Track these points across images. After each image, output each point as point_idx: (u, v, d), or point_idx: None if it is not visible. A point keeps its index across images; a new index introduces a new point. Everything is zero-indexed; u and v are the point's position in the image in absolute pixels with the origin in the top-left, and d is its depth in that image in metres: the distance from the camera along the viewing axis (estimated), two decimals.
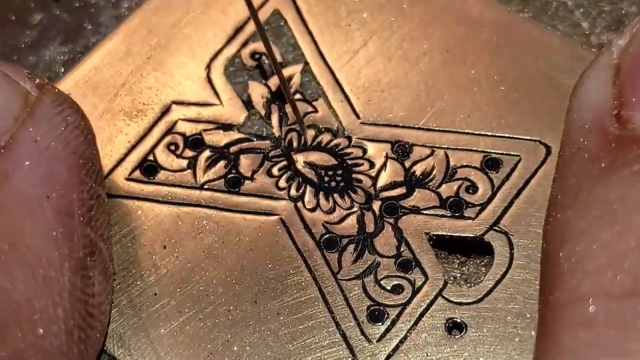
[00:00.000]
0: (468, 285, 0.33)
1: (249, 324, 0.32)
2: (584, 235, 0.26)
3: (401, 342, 0.32)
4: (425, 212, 0.34)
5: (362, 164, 0.35)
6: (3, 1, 0.41)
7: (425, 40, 0.37)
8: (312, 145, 0.35)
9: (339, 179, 0.35)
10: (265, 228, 0.34)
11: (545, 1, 0.39)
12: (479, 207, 0.34)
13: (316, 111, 0.36)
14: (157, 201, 0.34)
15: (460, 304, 0.32)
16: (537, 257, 0.32)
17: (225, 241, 0.33)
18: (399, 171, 0.35)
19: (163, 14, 0.38)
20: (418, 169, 0.35)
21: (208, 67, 0.37)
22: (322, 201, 0.34)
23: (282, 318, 0.32)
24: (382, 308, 0.32)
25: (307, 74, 0.37)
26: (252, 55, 0.37)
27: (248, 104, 0.36)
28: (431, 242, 0.33)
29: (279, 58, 0.37)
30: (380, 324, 0.32)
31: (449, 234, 0.33)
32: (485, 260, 0.33)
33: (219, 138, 0.36)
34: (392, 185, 0.34)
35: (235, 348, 0.32)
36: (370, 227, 0.34)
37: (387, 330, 0.32)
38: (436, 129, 0.35)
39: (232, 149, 0.35)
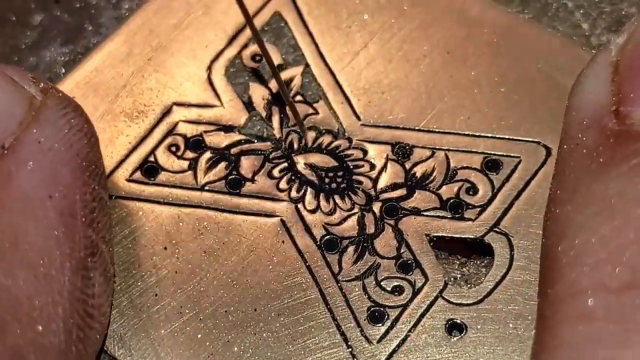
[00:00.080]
0: (468, 286, 0.33)
1: (250, 324, 0.32)
2: (583, 229, 0.26)
3: (401, 343, 0.32)
4: (425, 213, 0.34)
5: (363, 166, 0.35)
6: (3, 1, 0.41)
7: (426, 42, 0.37)
8: (312, 146, 0.35)
9: (339, 180, 0.35)
10: (266, 229, 0.34)
11: (545, 2, 0.39)
12: (479, 209, 0.34)
13: (317, 113, 0.36)
14: (158, 202, 0.34)
15: (460, 305, 0.32)
16: (537, 259, 0.32)
17: (226, 242, 0.33)
18: (399, 173, 0.35)
19: (164, 15, 0.38)
20: (418, 171, 0.35)
21: (209, 68, 0.37)
22: (323, 203, 0.34)
23: (282, 319, 0.32)
24: (382, 309, 0.32)
25: (308, 76, 0.37)
26: (253, 56, 0.37)
27: (249, 105, 0.36)
28: (431, 244, 0.33)
29: (279, 60, 0.37)
30: (380, 324, 0.32)
31: (449, 235, 0.33)
32: (485, 262, 0.33)
33: (220, 139, 0.36)
34: (393, 187, 0.34)
35: (235, 349, 0.32)
36: (370, 229, 0.34)
37: (388, 331, 0.32)
38: (436, 130, 0.35)
39: (233, 150, 0.35)
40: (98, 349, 0.31)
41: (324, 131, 0.36)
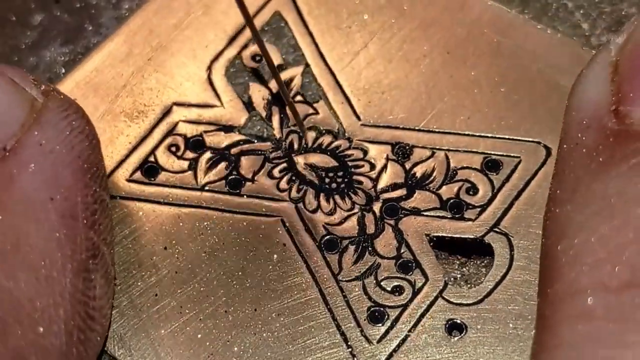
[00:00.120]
0: (468, 286, 0.33)
1: (250, 324, 0.32)
2: (583, 229, 0.26)
3: (401, 343, 0.32)
4: (425, 213, 0.34)
5: (363, 166, 0.35)
6: (3, 1, 0.41)
7: (426, 42, 0.37)
8: (312, 146, 0.35)
9: (339, 180, 0.35)
10: (266, 229, 0.34)
11: (545, 2, 0.39)
12: (479, 209, 0.34)
13: (317, 113, 0.36)
14: (158, 202, 0.34)
15: (460, 305, 0.32)
16: (537, 259, 0.32)
17: (226, 242, 0.33)
18: (399, 173, 0.35)
19: (164, 15, 0.38)
20: (418, 171, 0.35)
21: (209, 68, 0.37)
22: (323, 203, 0.34)
23: (282, 319, 0.32)
24: (382, 309, 0.32)
25: (308, 76, 0.37)
26: (253, 57, 0.37)
27: (249, 105, 0.36)
28: (431, 244, 0.33)
29: (279, 60, 0.37)
30: (380, 324, 0.32)
31: (449, 235, 0.34)
32: (485, 262, 0.34)
33: (220, 139, 0.36)
34: (393, 187, 0.34)
35: (235, 349, 0.32)
36: (370, 229, 0.34)
37: (388, 331, 0.32)
38: (436, 130, 0.35)
39: (233, 150, 0.35)
40: (99, 350, 0.31)
41: (324, 131, 0.36)
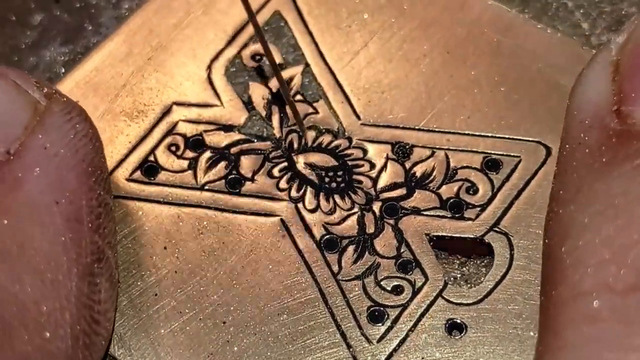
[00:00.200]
0: (468, 286, 0.33)
1: (249, 324, 0.32)
2: (586, 230, 0.26)
3: (401, 342, 0.32)
4: (425, 213, 0.34)
5: (363, 165, 0.35)
6: (3, 1, 0.41)
7: (426, 42, 0.37)
8: (312, 146, 0.35)
9: (339, 180, 0.35)
10: (266, 229, 0.34)
11: (545, 2, 0.39)
12: (479, 208, 0.34)
13: (317, 112, 0.36)
14: (158, 202, 0.34)
15: (460, 304, 0.32)
16: (537, 258, 0.32)
17: (226, 242, 0.33)
18: (399, 172, 0.35)
19: (164, 15, 0.38)
20: (418, 170, 0.35)
21: (209, 68, 0.37)
22: (323, 202, 0.34)
23: (282, 319, 0.32)
24: (382, 309, 0.32)
25: (308, 75, 0.37)
26: (253, 56, 0.37)
27: (249, 105, 0.36)
28: (431, 243, 0.33)
29: (279, 59, 0.37)
30: (380, 324, 0.32)
31: (449, 234, 0.33)
32: (485, 261, 0.33)
33: (220, 139, 0.36)
34: (393, 186, 0.34)
35: (235, 348, 0.32)
36: (370, 228, 0.34)
37: (387, 331, 0.32)
38: (436, 130, 0.35)
39: (233, 150, 0.35)
40: (102, 355, 0.31)
41: (324, 130, 0.36)
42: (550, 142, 0.34)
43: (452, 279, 0.33)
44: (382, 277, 0.33)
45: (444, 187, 0.34)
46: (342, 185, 0.34)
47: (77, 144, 0.30)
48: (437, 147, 0.35)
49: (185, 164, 0.35)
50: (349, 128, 0.36)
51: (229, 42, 0.37)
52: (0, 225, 0.28)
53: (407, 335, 0.32)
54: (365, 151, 0.35)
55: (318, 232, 0.34)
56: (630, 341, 0.24)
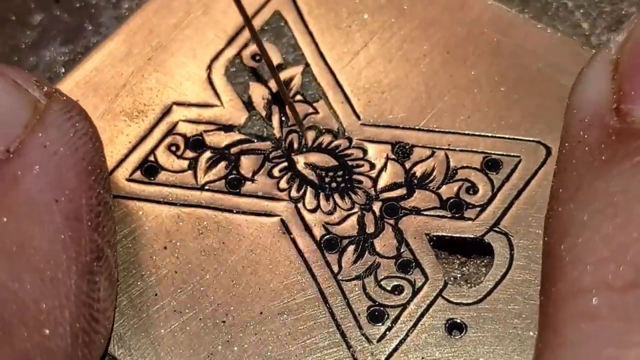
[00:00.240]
0: (468, 285, 0.33)
1: (249, 324, 0.32)
2: (586, 227, 0.26)
3: (401, 342, 0.32)
4: (425, 213, 0.34)
5: (363, 165, 0.35)
6: (3, 1, 0.41)
7: (426, 42, 0.37)
8: (312, 146, 0.35)
9: (339, 180, 0.35)
10: (266, 229, 0.34)
11: (545, 2, 0.39)
12: (479, 208, 0.34)
13: (317, 112, 0.36)
14: (158, 202, 0.34)
15: (460, 304, 0.32)
16: (537, 258, 0.32)
17: (226, 242, 0.33)
18: (399, 172, 0.35)
19: (164, 15, 0.38)
20: (418, 170, 0.35)
21: (209, 68, 0.37)
22: (323, 202, 0.34)
23: (282, 318, 0.32)
24: (382, 308, 0.32)
25: (308, 75, 0.37)
26: (253, 56, 0.37)
27: (249, 105, 0.36)
28: (431, 243, 0.33)
29: (279, 59, 0.37)
30: (380, 324, 0.32)
31: (449, 234, 0.33)
32: (485, 261, 0.34)
33: (220, 139, 0.36)
34: (393, 186, 0.34)
35: (235, 348, 0.32)
36: (370, 228, 0.34)
37: (387, 331, 0.32)
38: (436, 130, 0.35)
39: (233, 150, 0.35)
40: (102, 353, 0.31)
41: (323, 131, 0.36)
42: (550, 142, 0.34)
43: (452, 278, 0.33)
44: (382, 277, 0.33)
45: (444, 187, 0.34)
46: (342, 185, 0.34)
47: (77, 143, 0.30)
48: (437, 147, 0.35)
49: (185, 164, 0.35)
50: (349, 128, 0.36)
51: (229, 42, 0.37)
52: (0, 223, 0.28)
53: (407, 335, 0.32)
54: (365, 151, 0.35)
55: (318, 232, 0.34)
56: (629, 338, 0.24)
